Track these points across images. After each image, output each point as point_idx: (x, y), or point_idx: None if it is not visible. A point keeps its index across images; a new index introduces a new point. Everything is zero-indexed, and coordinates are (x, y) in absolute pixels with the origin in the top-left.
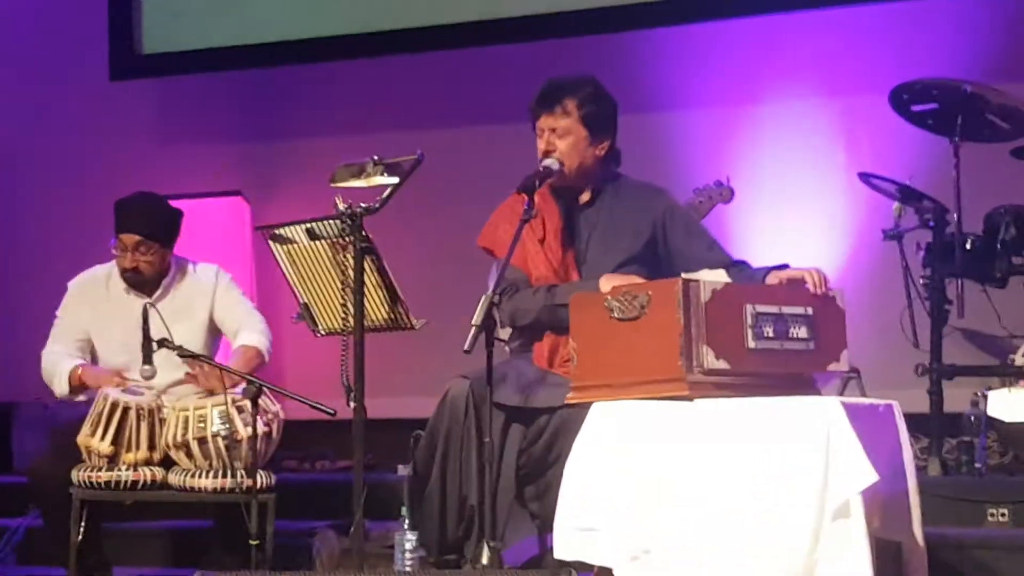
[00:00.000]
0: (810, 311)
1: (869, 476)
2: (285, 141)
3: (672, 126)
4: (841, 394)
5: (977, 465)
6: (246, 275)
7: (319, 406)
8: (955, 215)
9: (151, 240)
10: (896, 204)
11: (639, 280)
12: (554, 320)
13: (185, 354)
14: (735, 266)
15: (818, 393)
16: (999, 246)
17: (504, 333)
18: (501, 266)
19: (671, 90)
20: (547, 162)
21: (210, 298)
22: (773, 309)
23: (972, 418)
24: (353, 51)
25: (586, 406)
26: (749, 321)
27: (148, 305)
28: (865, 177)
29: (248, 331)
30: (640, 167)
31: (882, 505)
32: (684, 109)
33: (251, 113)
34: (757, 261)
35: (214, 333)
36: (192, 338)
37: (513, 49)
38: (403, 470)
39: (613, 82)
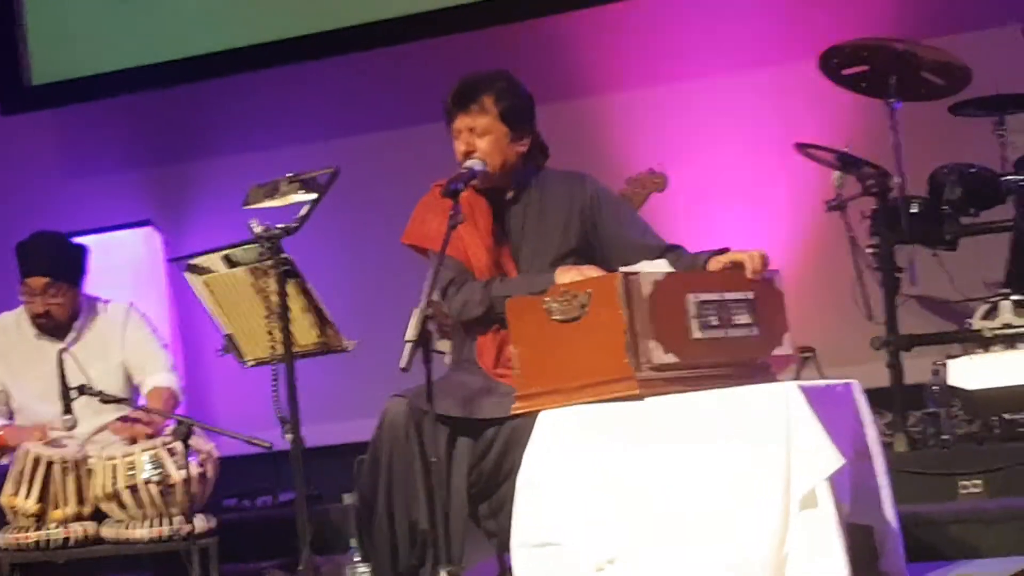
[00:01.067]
0: (751, 295)
1: (834, 460)
2: (193, 163)
3: (596, 112)
4: (797, 376)
5: (944, 436)
6: (163, 310)
7: (254, 440)
8: (898, 179)
9: (59, 281)
10: (836, 173)
11: (596, 272)
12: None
13: (108, 399)
14: (671, 251)
15: (774, 378)
16: (946, 207)
17: (443, 345)
18: (436, 259)
19: (591, 75)
20: (469, 163)
21: (120, 337)
22: (715, 296)
23: (935, 388)
24: (255, 62)
25: (534, 415)
26: (692, 311)
27: (62, 351)
28: (802, 148)
29: (155, 372)
30: (566, 158)
31: (851, 489)
32: (606, 93)
33: (154, 137)
34: (698, 247)
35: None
36: (110, 381)
37: (423, 47)
38: (349, 499)
39: (529, 72)
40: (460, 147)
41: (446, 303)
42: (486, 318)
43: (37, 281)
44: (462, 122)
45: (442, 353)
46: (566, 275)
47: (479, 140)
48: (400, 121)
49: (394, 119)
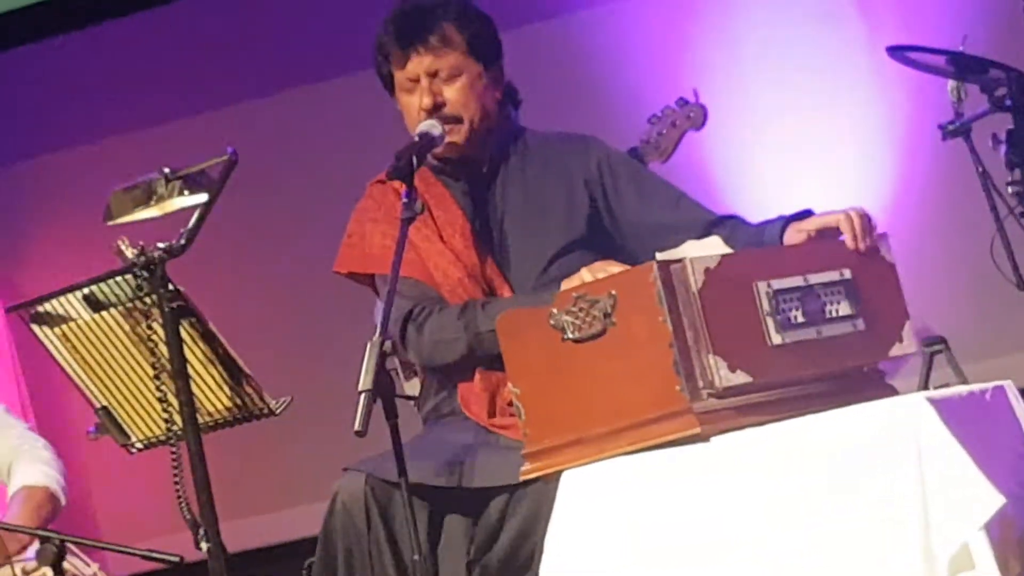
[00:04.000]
0: (848, 274)
1: (992, 501)
2: (28, 163)
3: (601, 29)
4: (926, 383)
5: None
6: (7, 383)
7: (156, 554)
8: None
9: None
10: (951, 83)
11: (617, 267)
12: (496, 351)
13: None
14: (722, 224)
15: (891, 390)
16: None
17: (412, 387)
18: (389, 283)
19: None
20: (424, 126)
21: None
22: (796, 281)
23: None
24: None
25: (554, 479)
26: (766, 305)
27: None
28: (897, 52)
29: (26, 464)
30: (560, 99)
31: (1020, 538)
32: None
33: None
34: (760, 213)
35: None
36: None
37: None
38: None
39: None
40: (422, 101)
41: (407, 346)
42: (471, 358)
43: None
44: (419, 64)
45: (412, 399)
46: (576, 282)
47: (447, 87)
48: (335, 66)
49: (304, 70)
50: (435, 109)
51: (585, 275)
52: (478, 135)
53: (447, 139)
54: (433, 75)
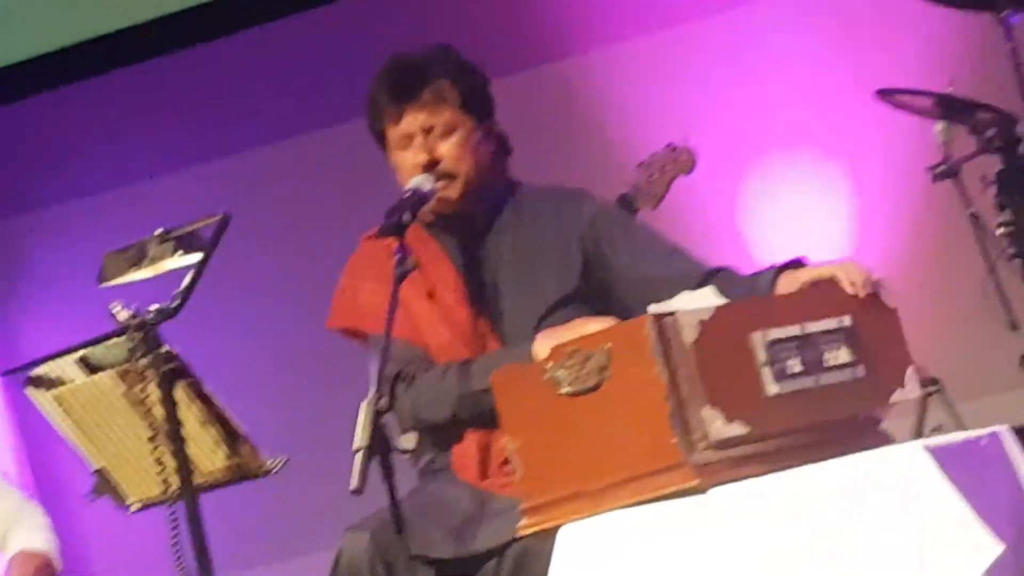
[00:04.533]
0: (848, 321)
1: (991, 549)
2: (20, 218)
3: (586, 78)
4: (920, 424)
5: None
6: (3, 448)
7: None
8: None
9: None
10: (939, 125)
11: (595, 323)
12: (479, 411)
13: None
14: (716, 276)
15: (886, 438)
16: None
17: (409, 440)
18: (382, 345)
19: (565, 26)
20: (415, 182)
21: None
22: (794, 330)
23: None
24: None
25: (550, 533)
26: (762, 356)
27: None
28: (887, 95)
29: (25, 530)
30: (549, 146)
31: None
32: (600, 47)
33: None
34: (750, 256)
35: None
36: None
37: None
38: None
39: (465, 33)
40: (416, 157)
41: (395, 410)
42: (455, 419)
43: None
44: (413, 120)
45: (409, 452)
46: (550, 343)
47: (442, 143)
48: (323, 116)
49: (298, 119)
50: (430, 165)
51: (561, 335)
52: (473, 190)
53: (442, 194)
54: (428, 131)
